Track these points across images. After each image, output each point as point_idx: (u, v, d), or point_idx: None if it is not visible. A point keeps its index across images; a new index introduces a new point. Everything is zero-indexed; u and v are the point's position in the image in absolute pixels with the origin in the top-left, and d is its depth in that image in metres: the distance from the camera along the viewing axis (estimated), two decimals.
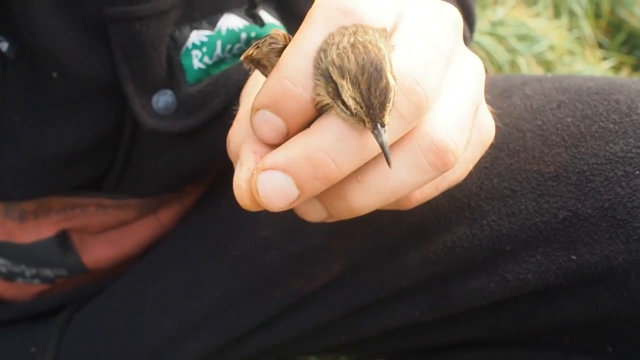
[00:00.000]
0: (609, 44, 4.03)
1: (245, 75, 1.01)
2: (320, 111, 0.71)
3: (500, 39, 3.50)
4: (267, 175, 0.69)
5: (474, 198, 0.98)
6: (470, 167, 0.85)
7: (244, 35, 1.05)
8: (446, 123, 0.72)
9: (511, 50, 3.50)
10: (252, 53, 0.75)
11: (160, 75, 1.01)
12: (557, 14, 3.92)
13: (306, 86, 0.69)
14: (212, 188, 1.22)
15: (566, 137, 0.95)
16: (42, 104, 0.98)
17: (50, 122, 0.99)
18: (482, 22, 3.48)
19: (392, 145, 0.70)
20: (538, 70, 3.53)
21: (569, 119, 0.96)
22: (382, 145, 0.67)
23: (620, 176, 0.89)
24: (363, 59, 0.67)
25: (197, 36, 1.02)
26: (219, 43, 1.04)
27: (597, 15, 4.08)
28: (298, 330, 1.11)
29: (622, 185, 0.88)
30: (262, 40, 0.74)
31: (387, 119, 0.67)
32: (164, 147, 1.06)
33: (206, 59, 1.04)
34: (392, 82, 0.67)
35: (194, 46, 1.02)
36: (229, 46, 1.05)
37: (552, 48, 3.61)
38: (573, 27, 3.91)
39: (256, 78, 0.90)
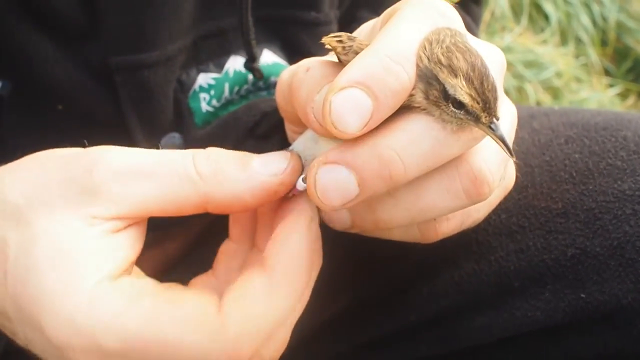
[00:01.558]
0: (615, 71, 4.04)
1: (253, 117, 1.01)
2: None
3: (508, 65, 3.50)
4: (328, 169, 0.67)
5: (482, 233, 0.98)
6: (491, 210, 0.85)
7: (251, 77, 1.05)
8: (486, 154, 0.72)
9: (518, 77, 3.51)
10: (337, 49, 0.73)
11: (169, 120, 1.01)
12: (563, 41, 3.93)
13: (409, 69, 0.66)
14: (218, 218, 1.22)
15: (574, 174, 0.95)
16: (43, 139, 0.98)
17: None
18: None
19: None
20: (545, 97, 3.53)
21: (576, 155, 0.96)
22: (502, 138, 0.66)
23: (629, 214, 0.88)
24: (471, 57, 0.67)
25: (204, 79, 1.02)
26: (226, 85, 1.04)
27: (604, 42, 4.09)
28: None
29: (630, 224, 0.88)
30: (348, 40, 0.72)
31: (499, 113, 0.67)
32: None
33: (214, 102, 1.04)
34: (499, 80, 0.68)
35: (202, 89, 1.02)
36: (236, 88, 1.05)
37: (559, 75, 3.62)
38: (580, 54, 3.92)
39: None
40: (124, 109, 0.96)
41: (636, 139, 0.94)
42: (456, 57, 0.67)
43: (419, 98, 0.68)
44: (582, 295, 0.91)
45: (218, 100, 1.04)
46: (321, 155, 0.69)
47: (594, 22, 4.04)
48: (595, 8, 4.07)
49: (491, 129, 0.67)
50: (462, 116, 0.67)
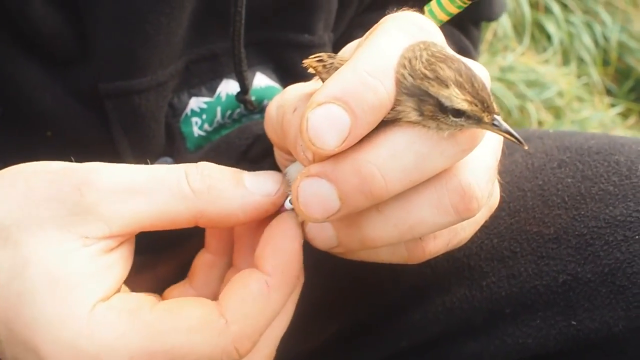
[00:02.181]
0: (617, 91, 4.04)
1: (246, 141, 1.01)
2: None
3: (510, 84, 3.52)
4: (310, 182, 0.67)
5: (473, 258, 0.97)
6: (477, 229, 0.84)
7: None
8: (476, 171, 0.72)
9: (520, 96, 3.52)
10: (318, 69, 0.74)
11: (160, 144, 1.00)
12: (565, 61, 3.94)
13: (387, 84, 0.65)
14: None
15: (566, 199, 0.94)
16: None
17: None
18: (491, 68, 3.50)
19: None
20: (547, 116, 3.54)
21: (569, 180, 0.96)
22: (508, 132, 0.66)
23: (620, 240, 0.88)
24: (453, 63, 0.67)
25: (196, 103, 1.02)
26: (218, 109, 1.04)
27: (606, 62, 4.10)
28: None
29: (621, 250, 0.87)
30: (328, 58, 0.73)
31: (497, 108, 0.67)
32: None
33: (206, 126, 1.04)
34: (485, 75, 0.69)
35: (193, 113, 1.02)
36: (229, 112, 1.05)
37: (560, 94, 3.63)
38: (582, 74, 3.93)
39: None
40: (115, 134, 0.96)
41: (628, 163, 0.94)
42: (440, 67, 0.67)
43: (413, 116, 0.67)
44: (573, 323, 0.90)
45: (210, 125, 1.04)
46: (305, 169, 0.69)
47: (596, 42, 4.06)
48: (597, 28, 4.09)
49: (495, 126, 0.67)
50: (464, 123, 0.67)
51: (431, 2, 0.82)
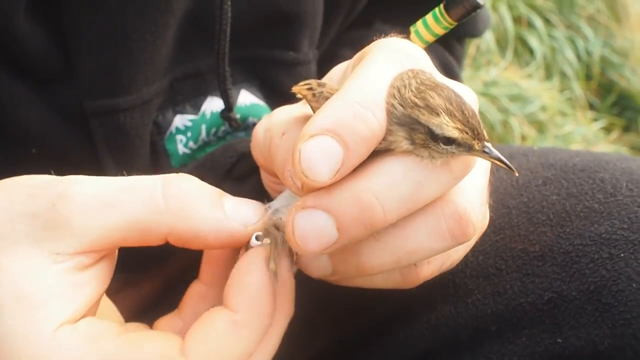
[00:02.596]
0: (599, 105, 4.07)
1: (230, 159, 1.00)
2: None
3: (493, 99, 3.54)
4: (306, 214, 0.66)
5: (459, 275, 0.97)
6: (468, 251, 0.84)
7: None
8: (470, 195, 0.72)
9: (503, 110, 3.54)
10: (307, 97, 0.73)
11: (145, 162, 1.00)
12: (548, 76, 3.97)
13: (378, 115, 0.65)
14: (194, 259, 1.21)
15: (551, 216, 0.94)
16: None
17: None
18: (475, 82, 3.52)
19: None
20: (530, 131, 3.56)
21: (554, 197, 0.96)
22: (499, 158, 0.67)
23: (605, 258, 0.88)
24: (443, 91, 0.67)
25: (180, 120, 1.02)
26: (203, 127, 1.04)
27: (588, 77, 4.13)
28: None
29: (607, 268, 0.87)
30: (318, 86, 0.72)
31: (486, 135, 0.67)
32: None
33: (191, 144, 1.03)
34: (475, 102, 0.69)
35: (178, 131, 1.02)
36: (214, 129, 1.05)
37: (543, 109, 3.65)
38: (564, 89, 3.95)
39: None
40: (99, 152, 0.96)
41: (613, 181, 0.94)
42: (430, 96, 0.67)
43: (405, 145, 0.67)
44: (559, 340, 0.90)
45: (195, 142, 1.04)
46: (299, 200, 0.67)
47: (579, 57, 4.10)
48: (580, 43, 4.13)
49: (486, 153, 0.67)
50: (454, 150, 0.67)
51: (417, 23, 0.83)
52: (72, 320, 0.66)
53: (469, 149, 0.67)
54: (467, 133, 0.66)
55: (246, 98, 1.08)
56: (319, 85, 0.72)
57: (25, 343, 0.64)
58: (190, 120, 1.03)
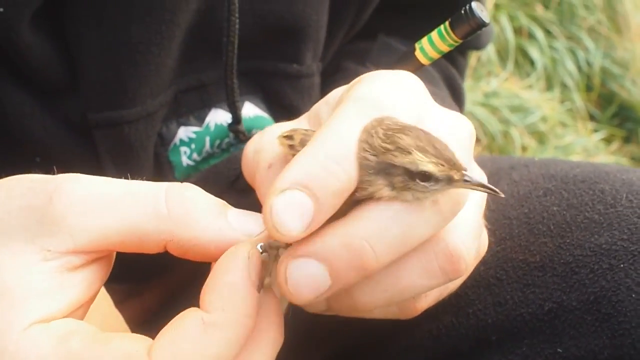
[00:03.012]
0: (600, 116, 4.08)
1: (234, 171, 1.01)
2: (347, 206, 0.68)
3: (494, 109, 3.55)
4: (298, 263, 0.66)
5: (460, 285, 0.98)
6: (465, 278, 0.85)
7: None
8: (461, 231, 0.72)
9: (504, 121, 3.54)
10: (286, 145, 0.74)
11: (148, 173, 1.01)
12: (549, 87, 3.98)
13: (348, 168, 0.66)
14: (198, 269, 1.21)
15: (552, 227, 0.95)
16: None
17: None
18: (475, 93, 3.53)
19: None
20: (531, 141, 3.56)
21: (555, 208, 0.97)
22: (481, 185, 0.66)
23: (605, 269, 0.88)
24: (410, 131, 0.67)
25: (185, 132, 1.02)
26: (207, 139, 1.04)
27: (589, 88, 4.14)
28: None
29: (607, 279, 0.88)
30: (301, 138, 0.73)
31: (463, 164, 0.67)
32: None
33: (195, 156, 1.04)
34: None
35: (182, 142, 1.03)
36: (217, 141, 1.05)
37: (544, 119, 3.66)
38: (565, 99, 3.96)
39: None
40: (103, 163, 0.97)
41: (613, 192, 0.95)
42: (399, 137, 0.67)
43: (387, 192, 0.67)
44: (559, 350, 0.90)
45: (199, 154, 1.04)
46: (290, 249, 0.67)
47: (579, 68, 4.10)
48: (580, 54, 4.13)
49: (467, 182, 0.67)
50: (436, 186, 0.67)
51: (422, 40, 0.83)
52: (48, 319, 0.65)
53: (449, 180, 0.67)
54: (442, 165, 0.66)
55: (250, 110, 1.09)
56: (302, 138, 0.73)
57: None
58: (194, 132, 1.03)
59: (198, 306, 0.67)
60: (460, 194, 0.70)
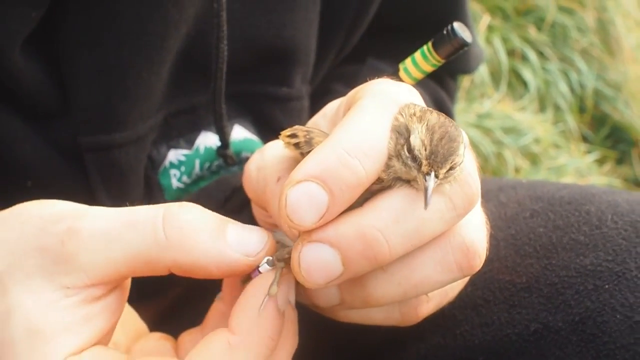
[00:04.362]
0: (593, 138, 4.10)
1: (224, 193, 1.02)
2: (363, 197, 0.69)
3: (487, 131, 3.56)
4: (312, 247, 0.67)
5: (448, 306, 0.98)
6: (462, 287, 0.86)
7: None
8: (476, 227, 0.74)
9: (497, 142, 3.56)
10: (291, 145, 0.74)
11: (138, 196, 1.01)
12: (542, 108, 4.00)
13: (365, 164, 0.66)
14: (194, 286, 1.22)
15: (538, 248, 0.96)
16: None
17: None
18: (469, 115, 3.54)
19: None
20: (524, 163, 3.57)
21: (541, 229, 0.98)
22: (426, 189, 0.66)
23: (590, 290, 0.89)
24: (444, 121, 0.69)
25: (174, 155, 1.03)
26: (197, 162, 1.05)
27: (582, 109, 4.16)
28: None
29: (592, 299, 0.89)
30: (305, 134, 0.74)
31: (442, 173, 0.67)
32: None
33: (185, 179, 1.05)
34: (461, 151, 0.68)
35: (172, 165, 1.03)
36: (207, 164, 1.06)
37: (537, 141, 3.67)
38: (558, 121, 3.98)
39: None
40: (93, 186, 0.97)
41: (599, 213, 0.96)
42: (430, 113, 0.69)
43: (398, 165, 0.68)
44: None
45: (189, 177, 1.05)
46: (305, 233, 0.68)
47: (572, 90, 4.12)
48: (573, 76, 4.16)
49: (424, 180, 0.67)
50: (409, 162, 0.68)
51: (406, 61, 0.84)
52: (79, 351, 0.68)
53: (419, 167, 0.67)
54: (424, 149, 0.67)
55: (240, 133, 1.10)
56: (306, 142, 0.73)
57: None
58: (184, 155, 1.04)
59: (193, 324, 0.70)
60: (474, 192, 0.71)
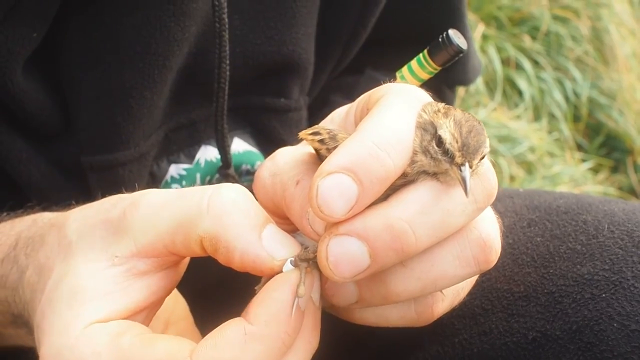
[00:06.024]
0: (587, 146, 4.10)
1: None
2: (386, 193, 0.70)
3: None
4: (340, 240, 0.68)
5: (446, 315, 0.98)
6: (470, 287, 0.87)
7: None
8: (491, 222, 0.75)
9: (492, 151, 3.56)
10: (315, 141, 0.75)
11: None
12: (537, 117, 4.00)
13: (394, 156, 0.68)
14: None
15: (536, 257, 0.96)
16: None
17: None
18: None
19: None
20: (519, 171, 3.58)
21: (538, 239, 0.98)
22: (464, 178, 0.67)
23: (588, 299, 0.90)
24: (468, 116, 0.70)
25: (175, 170, 1.04)
26: (198, 176, 1.06)
27: (576, 118, 4.16)
28: None
29: (589, 308, 0.89)
30: (328, 132, 0.75)
31: (475, 164, 0.68)
32: None
33: None
34: (487, 143, 0.70)
35: (173, 180, 1.04)
36: (208, 178, 1.07)
37: (532, 149, 3.67)
38: (553, 130, 3.99)
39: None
40: None
41: (595, 223, 0.96)
42: (454, 109, 0.71)
43: (424, 159, 0.70)
44: None
45: None
46: (332, 227, 0.69)
47: (567, 98, 4.13)
48: (568, 85, 4.16)
49: (460, 170, 0.68)
50: (439, 155, 0.69)
51: (402, 69, 0.85)
52: (107, 320, 0.70)
53: (452, 159, 0.69)
54: (456, 142, 0.69)
55: (239, 145, 1.11)
56: (330, 137, 0.74)
57: (60, 334, 0.70)
58: (185, 169, 1.05)
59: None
60: (493, 186, 0.72)
